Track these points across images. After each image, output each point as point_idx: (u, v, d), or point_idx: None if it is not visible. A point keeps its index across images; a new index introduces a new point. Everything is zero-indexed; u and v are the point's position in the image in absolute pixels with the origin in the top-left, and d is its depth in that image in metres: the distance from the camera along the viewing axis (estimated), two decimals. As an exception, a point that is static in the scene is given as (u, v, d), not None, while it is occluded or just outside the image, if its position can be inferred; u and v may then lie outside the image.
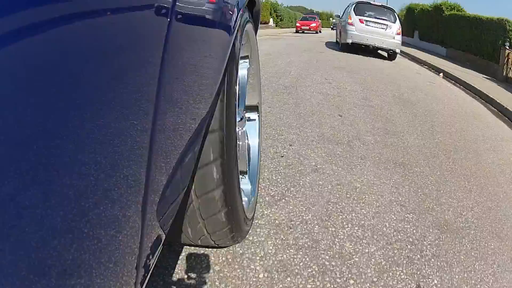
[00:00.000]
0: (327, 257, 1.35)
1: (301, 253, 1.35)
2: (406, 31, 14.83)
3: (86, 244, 0.39)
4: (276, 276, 1.22)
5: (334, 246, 1.42)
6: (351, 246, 1.44)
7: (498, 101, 5.45)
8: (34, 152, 0.30)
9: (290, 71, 5.18)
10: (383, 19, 8.80)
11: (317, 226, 1.53)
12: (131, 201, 0.48)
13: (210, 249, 1.28)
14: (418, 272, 1.37)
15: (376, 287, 1.25)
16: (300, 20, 23.33)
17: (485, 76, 8.41)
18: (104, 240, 0.43)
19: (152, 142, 0.51)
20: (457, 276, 1.41)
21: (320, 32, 22.86)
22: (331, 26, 37.69)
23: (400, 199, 1.93)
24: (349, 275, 1.28)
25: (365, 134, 2.88)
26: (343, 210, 1.70)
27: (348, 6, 9.80)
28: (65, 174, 0.35)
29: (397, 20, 8.99)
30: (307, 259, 1.33)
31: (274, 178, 1.92)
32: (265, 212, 1.58)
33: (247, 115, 1.49)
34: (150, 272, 0.60)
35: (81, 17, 0.35)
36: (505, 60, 8.07)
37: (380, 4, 9.72)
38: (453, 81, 7.37)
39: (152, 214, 0.55)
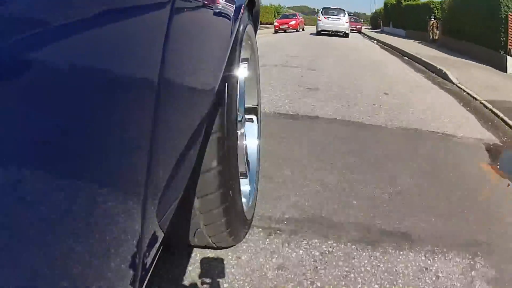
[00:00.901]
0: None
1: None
2: (384, 22, 21.75)
3: (85, 244, 0.39)
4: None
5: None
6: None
7: (403, 49, 9.21)
8: (34, 152, 0.31)
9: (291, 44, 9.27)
10: (337, 15, 15.72)
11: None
12: (131, 201, 0.48)
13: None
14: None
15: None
16: (279, 19, 20.91)
17: (417, 41, 12.64)
18: (104, 240, 0.43)
19: (152, 142, 0.51)
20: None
21: (303, 30, 20.62)
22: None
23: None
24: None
25: (325, 57, 6.69)
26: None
27: (320, 9, 16.97)
28: (65, 174, 0.35)
29: (346, 15, 15.84)
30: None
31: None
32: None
33: (246, 116, 1.46)
34: (150, 272, 0.60)
35: (79, 14, 0.35)
36: (430, 28, 12.63)
37: (336, 7, 16.62)
38: (384, 46, 11.62)
39: (151, 214, 0.55)
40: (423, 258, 1.30)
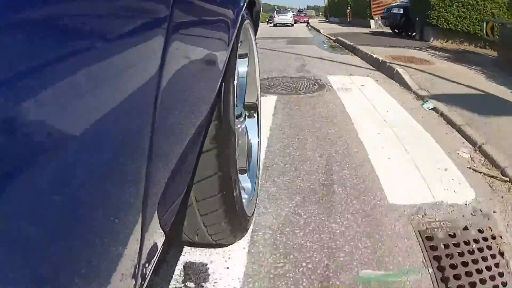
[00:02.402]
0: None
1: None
2: (329, 14, 30.55)
3: (86, 244, 0.39)
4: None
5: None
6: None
7: (319, 28, 14.17)
8: (34, 152, 0.31)
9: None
10: (285, 13, 25.39)
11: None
12: (132, 201, 0.49)
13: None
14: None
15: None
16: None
17: (339, 24, 18.67)
18: (105, 241, 0.43)
19: (152, 142, 0.51)
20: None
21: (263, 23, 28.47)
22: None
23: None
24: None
25: (281, 32, 13.30)
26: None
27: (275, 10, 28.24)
28: (65, 175, 0.35)
29: (290, 13, 25.77)
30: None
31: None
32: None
33: (246, 112, 1.42)
34: (151, 272, 0.60)
35: (80, 14, 0.35)
36: (348, 14, 18.66)
37: (284, 8, 28.47)
38: (312, 28, 16.70)
39: (152, 214, 0.56)
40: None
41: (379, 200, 1.48)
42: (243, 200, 1.09)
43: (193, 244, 1.16)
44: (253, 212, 1.27)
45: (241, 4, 1.02)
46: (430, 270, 1.13)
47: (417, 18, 8.09)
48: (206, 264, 1.14)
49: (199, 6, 0.70)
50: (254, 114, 1.52)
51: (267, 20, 33.01)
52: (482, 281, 1.11)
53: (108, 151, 0.42)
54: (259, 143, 1.49)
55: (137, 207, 0.50)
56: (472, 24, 7.24)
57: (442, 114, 2.57)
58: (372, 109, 2.72)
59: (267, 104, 2.75)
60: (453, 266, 1.15)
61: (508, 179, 1.69)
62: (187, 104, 0.67)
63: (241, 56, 1.28)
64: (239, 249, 1.19)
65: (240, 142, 1.14)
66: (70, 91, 0.34)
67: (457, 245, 1.24)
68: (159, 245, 0.64)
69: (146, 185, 0.50)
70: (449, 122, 2.44)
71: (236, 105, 1.02)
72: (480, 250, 1.22)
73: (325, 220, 1.34)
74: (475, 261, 1.17)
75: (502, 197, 1.56)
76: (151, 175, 0.51)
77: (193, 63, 0.67)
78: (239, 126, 1.19)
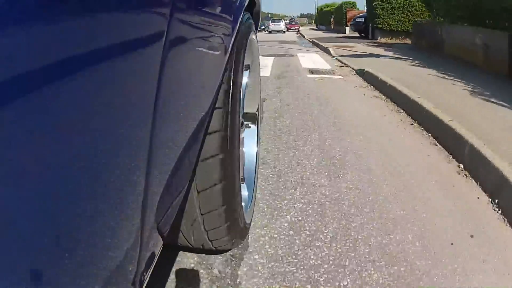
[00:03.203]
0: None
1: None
2: (319, 22, 34.54)
3: (86, 245, 0.39)
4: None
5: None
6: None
7: (305, 34, 19.06)
8: (34, 152, 0.31)
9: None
10: (278, 22, 30.68)
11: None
12: (131, 206, 0.49)
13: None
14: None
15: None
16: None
17: (324, 31, 23.49)
18: (104, 242, 0.43)
19: (152, 144, 0.51)
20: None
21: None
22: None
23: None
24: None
25: (275, 38, 17.09)
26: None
27: (270, 19, 35.02)
28: (64, 175, 0.35)
29: (283, 21, 31.65)
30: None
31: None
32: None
33: (245, 122, 1.46)
34: (148, 276, 0.60)
35: (80, 15, 0.35)
36: (331, 22, 24.20)
37: (277, 18, 33.93)
38: (300, 34, 21.51)
39: (151, 219, 0.56)
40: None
41: (300, 67, 5.70)
42: (243, 208, 1.10)
43: (190, 250, 1.18)
44: (251, 221, 1.30)
45: (242, 5, 1.02)
46: (312, 75, 5.03)
47: (370, 24, 11.68)
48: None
49: (199, 10, 0.70)
50: (255, 124, 1.55)
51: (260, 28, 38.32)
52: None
53: (107, 155, 0.42)
54: (257, 153, 1.51)
55: (136, 212, 0.50)
56: (411, 25, 10.05)
57: (337, 59, 6.50)
58: (311, 60, 6.68)
59: (270, 59, 6.68)
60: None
61: (343, 64, 5.82)
62: (187, 108, 0.66)
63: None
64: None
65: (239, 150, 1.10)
66: (70, 91, 0.34)
67: (323, 75, 5.12)
68: (157, 250, 0.65)
69: (145, 189, 0.50)
70: (339, 60, 6.33)
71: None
72: (332, 78, 5.06)
73: (286, 67, 5.48)
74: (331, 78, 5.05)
75: (340, 68, 5.62)
76: (151, 179, 0.52)
77: (192, 66, 0.67)
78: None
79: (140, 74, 0.47)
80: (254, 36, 1.34)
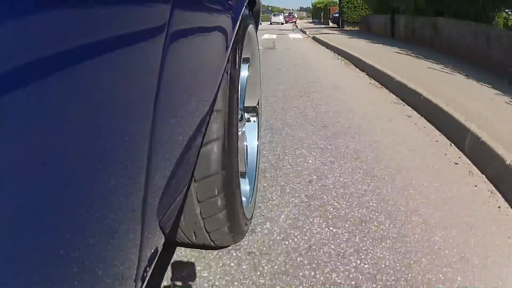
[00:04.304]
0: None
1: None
2: (314, 16, 40.62)
3: (86, 245, 0.39)
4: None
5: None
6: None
7: (300, 27, 23.10)
8: (34, 152, 0.30)
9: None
10: (278, 15, 39.29)
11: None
12: (132, 203, 0.49)
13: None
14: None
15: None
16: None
17: (318, 24, 28.38)
18: (104, 241, 0.43)
19: (152, 143, 0.50)
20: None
21: (260, 24, 37.19)
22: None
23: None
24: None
25: (276, 29, 21.06)
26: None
27: (271, 13, 42.49)
28: (64, 175, 0.35)
29: (282, 15, 40.62)
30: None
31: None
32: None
33: (246, 116, 1.46)
34: (149, 273, 0.60)
35: (79, 14, 0.35)
36: (321, 16, 30.72)
37: (278, 12, 44.65)
38: (295, 26, 25.96)
39: (152, 216, 0.56)
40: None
41: (288, 38, 11.92)
42: (243, 203, 1.10)
43: (190, 245, 1.18)
44: (252, 215, 1.31)
45: (242, 4, 1.03)
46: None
47: (340, 18, 16.94)
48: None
49: (199, 7, 0.70)
50: (254, 118, 1.56)
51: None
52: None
53: (108, 153, 0.41)
54: (258, 147, 1.53)
55: (137, 209, 0.50)
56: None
57: (308, 36, 12.47)
58: (294, 36, 12.91)
59: (275, 35, 12.87)
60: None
61: (308, 36, 12.34)
62: (187, 105, 0.66)
63: (244, 60, 1.28)
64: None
65: (240, 146, 1.09)
66: (70, 91, 0.34)
67: (297, 39, 11.10)
68: (159, 247, 0.65)
69: (146, 186, 0.50)
70: (313, 39, 12.02)
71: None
72: (301, 39, 11.03)
73: (283, 35, 11.76)
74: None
75: (306, 38, 12.06)
76: (151, 176, 0.51)
77: (193, 65, 0.66)
78: (239, 129, 1.16)
79: (141, 68, 0.47)
80: (254, 31, 1.38)
